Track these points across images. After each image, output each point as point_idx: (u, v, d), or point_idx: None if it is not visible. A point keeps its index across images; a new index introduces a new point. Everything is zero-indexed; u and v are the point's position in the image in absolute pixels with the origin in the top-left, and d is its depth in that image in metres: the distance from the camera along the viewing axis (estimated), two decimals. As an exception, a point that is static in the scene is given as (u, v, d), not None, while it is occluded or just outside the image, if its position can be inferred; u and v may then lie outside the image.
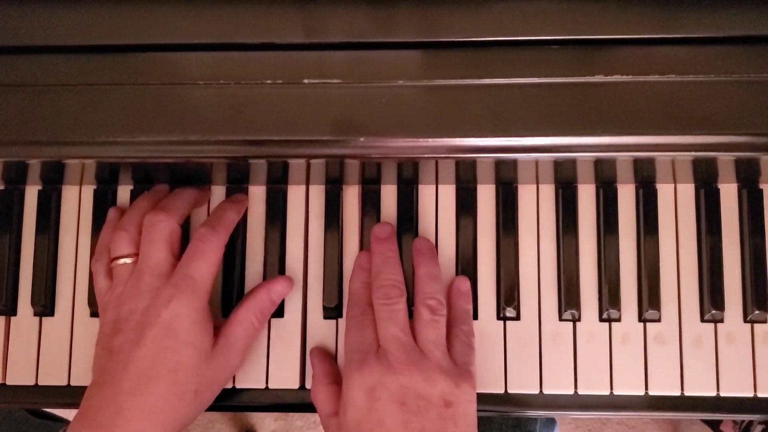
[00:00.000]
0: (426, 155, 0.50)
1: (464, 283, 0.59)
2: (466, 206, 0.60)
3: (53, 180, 0.62)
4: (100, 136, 0.50)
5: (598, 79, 0.49)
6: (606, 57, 0.50)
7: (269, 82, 0.50)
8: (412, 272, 0.59)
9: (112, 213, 0.61)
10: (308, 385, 0.60)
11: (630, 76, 0.49)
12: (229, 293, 0.61)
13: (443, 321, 0.56)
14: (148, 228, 0.56)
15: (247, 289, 0.61)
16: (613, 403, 0.59)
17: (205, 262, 0.55)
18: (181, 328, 0.52)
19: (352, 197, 0.61)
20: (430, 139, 0.49)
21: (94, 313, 0.61)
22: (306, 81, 0.50)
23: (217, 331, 0.56)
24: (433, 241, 0.60)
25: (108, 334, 0.54)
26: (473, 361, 0.56)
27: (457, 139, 0.49)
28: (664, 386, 0.58)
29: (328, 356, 0.60)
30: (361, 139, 0.49)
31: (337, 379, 0.57)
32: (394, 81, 0.50)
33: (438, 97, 0.50)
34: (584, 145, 0.49)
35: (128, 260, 0.56)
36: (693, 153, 0.48)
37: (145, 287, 0.54)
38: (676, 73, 0.49)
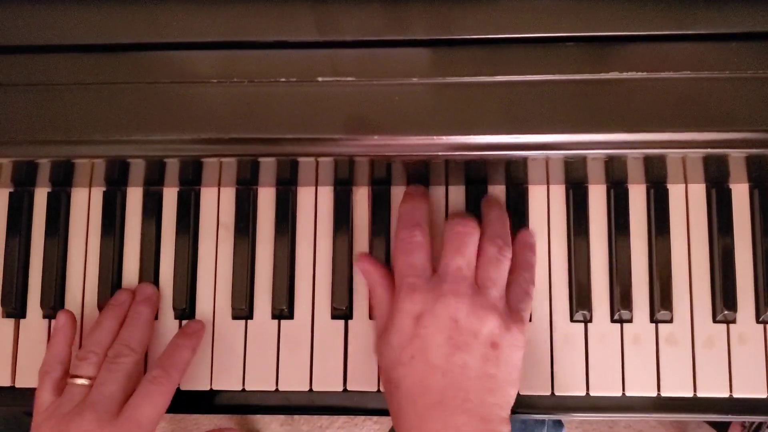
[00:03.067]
0: (440, 153, 0.50)
1: (530, 236, 0.59)
2: (475, 207, 0.60)
3: (62, 182, 0.62)
4: (114, 135, 0.50)
5: (614, 75, 0.49)
6: (621, 54, 0.50)
7: (283, 80, 0.50)
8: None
9: (62, 319, 0.58)
10: (317, 388, 0.60)
11: (645, 73, 0.49)
12: (240, 291, 0.60)
13: (507, 263, 0.55)
14: (113, 359, 0.55)
15: (257, 288, 0.61)
16: (624, 404, 0.59)
17: (153, 406, 0.54)
18: None
19: (361, 198, 0.61)
20: (444, 137, 0.49)
21: (104, 316, 0.61)
22: (320, 79, 0.50)
23: None
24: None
25: None
26: (528, 308, 0.56)
27: (471, 137, 0.49)
28: (677, 387, 0.58)
29: (381, 262, 0.59)
30: (375, 137, 0.49)
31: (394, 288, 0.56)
32: (408, 78, 0.50)
33: (452, 94, 0.50)
34: (600, 142, 0.49)
35: (86, 382, 0.55)
36: (709, 150, 0.48)
37: (90, 418, 0.52)
38: (691, 70, 0.49)
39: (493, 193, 0.60)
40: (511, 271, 0.57)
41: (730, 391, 0.58)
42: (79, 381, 0.55)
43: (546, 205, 0.60)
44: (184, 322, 0.61)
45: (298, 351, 0.60)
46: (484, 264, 0.54)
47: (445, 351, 0.50)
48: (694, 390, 0.58)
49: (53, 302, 0.61)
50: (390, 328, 0.53)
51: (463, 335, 0.51)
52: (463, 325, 0.51)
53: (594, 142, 0.49)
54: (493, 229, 0.56)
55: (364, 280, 0.59)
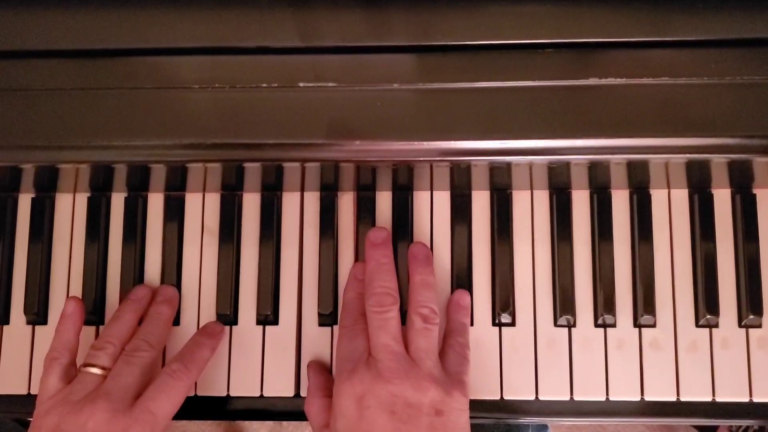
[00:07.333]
0: (421, 158, 0.50)
1: (464, 298, 0.59)
2: (460, 212, 0.60)
3: (47, 188, 0.61)
4: (96, 141, 0.50)
5: (593, 82, 0.50)
6: (600, 60, 0.50)
7: (264, 85, 0.51)
8: (407, 279, 0.59)
9: (71, 306, 0.58)
10: (303, 393, 0.60)
11: (624, 79, 0.49)
12: (225, 296, 0.60)
13: (436, 330, 0.55)
14: (131, 352, 0.55)
15: (242, 293, 0.61)
16: (608, 408, 0.59)
17: (170, 400, 0.54)
18: None
19: (347, 204, 0.61)
20: (425, 143, 0.49)
21: (89, 322, 0.60)
22: (301, 84, 0.51)
23: None
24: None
25: None
26: (467, 371, 0.56)
27: (452, 142, 0.49)
28: (660, 391, 0.58)
29: (325, 370, 0.59)
30: (357, 142, 0.49)
31: (330, 393, 0.57)
32: (390, 84, 0.50)
33: (433, 100, 0.50)
34: (579, 147, 0.49)
35: (99, 371, 0.55)
36: (687, 155, 0.49)
37: (103, 407, 0.51)
38: (670, 76, 0.49)
39: (476, 199, 0.61)
40: (446, 336, 0.57)
41: (713, 395, 0.58)
42: (93, 370, 0.55)
43: (530, 210, 0.61)
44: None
45: (283, 356, 0.60)
46: (412, 336, 0.54)
47: (391, 427, 0.50)
48: (678, 394, 0.58)
49: (37, 308, 0.61)
50: (334, 414, 0.52)
51: (406, 409, 0.50)
52: (404, 399, 0.51)
53: (574, 148, 0.49)
54: (417, 297, 0.56)
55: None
